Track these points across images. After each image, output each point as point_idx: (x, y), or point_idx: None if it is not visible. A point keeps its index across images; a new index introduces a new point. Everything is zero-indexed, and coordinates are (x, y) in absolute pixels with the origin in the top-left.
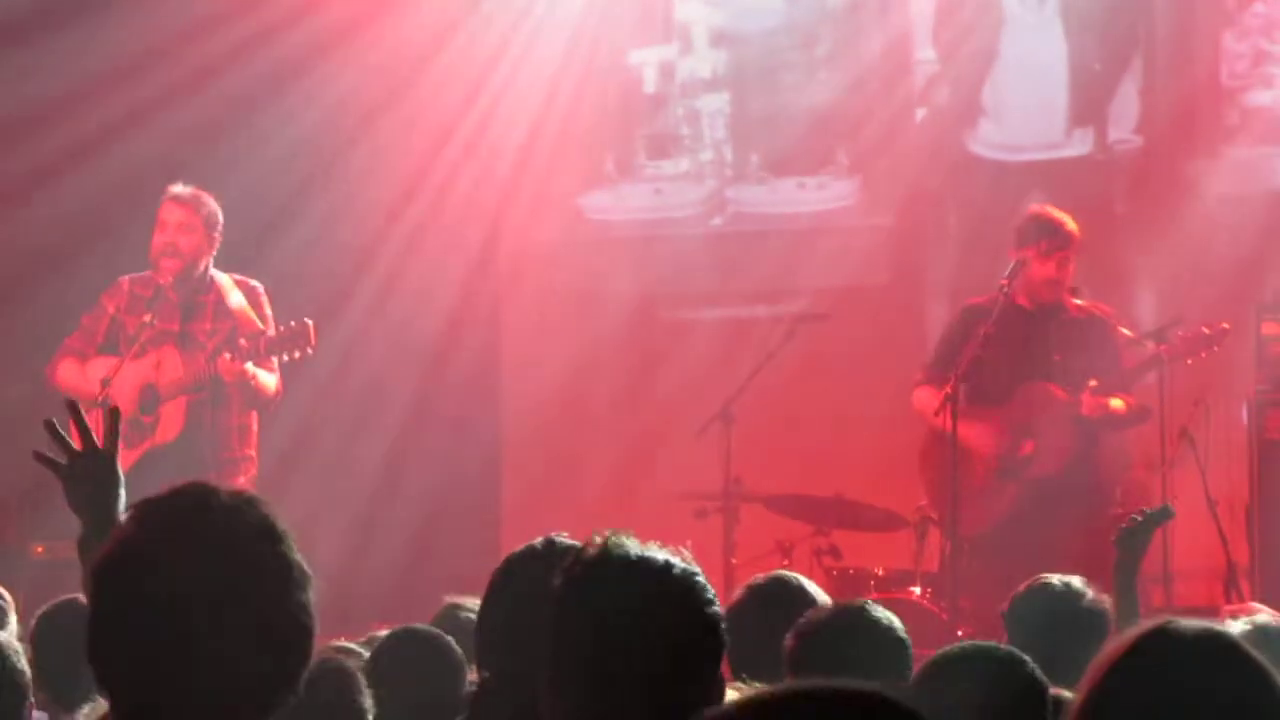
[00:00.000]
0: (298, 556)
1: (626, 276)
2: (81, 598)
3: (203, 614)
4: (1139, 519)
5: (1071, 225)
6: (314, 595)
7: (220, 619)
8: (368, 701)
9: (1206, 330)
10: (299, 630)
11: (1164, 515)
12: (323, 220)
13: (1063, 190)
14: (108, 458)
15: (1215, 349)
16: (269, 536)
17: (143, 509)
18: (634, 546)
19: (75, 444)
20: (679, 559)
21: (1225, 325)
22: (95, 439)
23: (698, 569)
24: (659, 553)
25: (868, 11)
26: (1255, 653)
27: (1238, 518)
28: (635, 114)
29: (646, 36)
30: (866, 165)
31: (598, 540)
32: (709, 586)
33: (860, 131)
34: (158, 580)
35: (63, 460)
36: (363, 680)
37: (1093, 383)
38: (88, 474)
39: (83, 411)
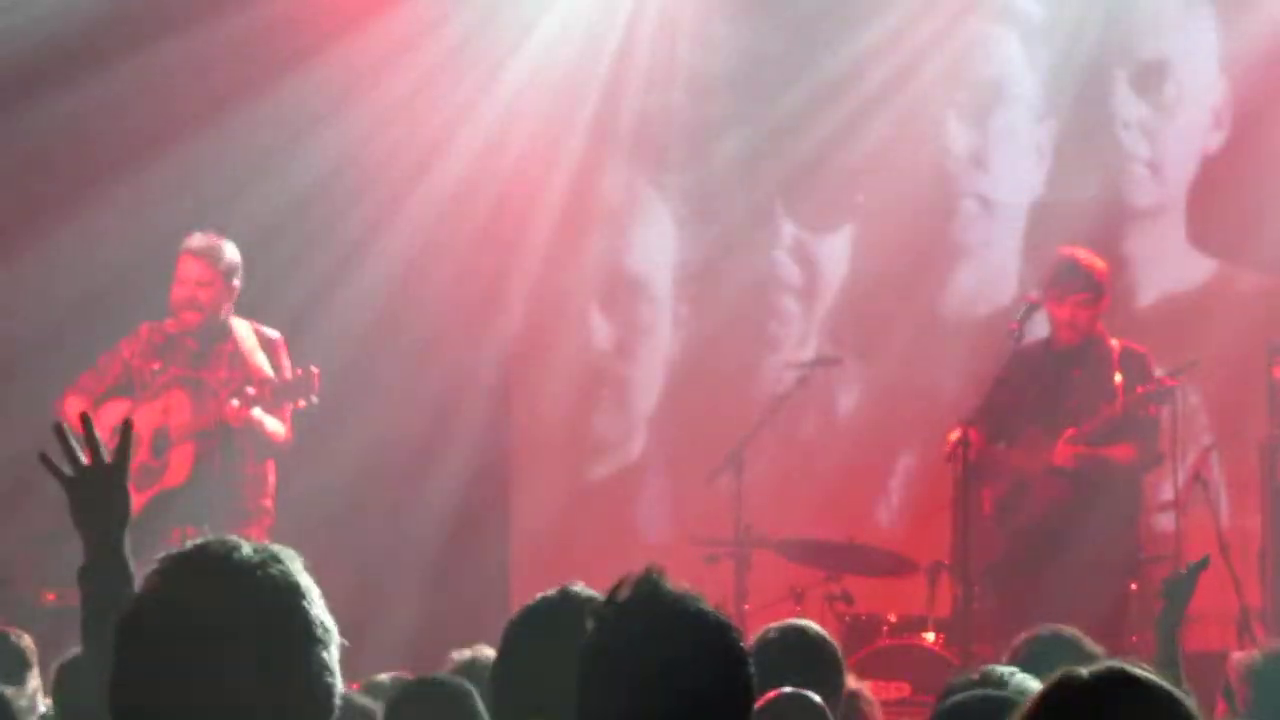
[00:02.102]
0: (321, 613)
1: (648, 325)
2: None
3: (225, 672)
4: (1183, 571)
5: (1095, 266)
6: (337, 653)
7: (244, 676)
8: None
9: (1151, 386)
10: (322, 689)
11: (1203, 564)
12: (334, 269)
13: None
14: (117, 473)
15: (1162, 402)
16: (293, 593)
17: (167, 563)
18: (668, 594)
19: (85, 458)
20: (712, 609)
21: (1172, 381)
22: (105, 454)
23: (730, 620)
24: (693, 602)
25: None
26: (1159, 681)
27: (1250, 561)
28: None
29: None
30: (880, 213)
31: (629, 583)
32: (743, 643)
33: (877, 178)
34: (181, 635)
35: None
36: None
37: (1069, 431)
38: (94, 488)
39: (70, 437)
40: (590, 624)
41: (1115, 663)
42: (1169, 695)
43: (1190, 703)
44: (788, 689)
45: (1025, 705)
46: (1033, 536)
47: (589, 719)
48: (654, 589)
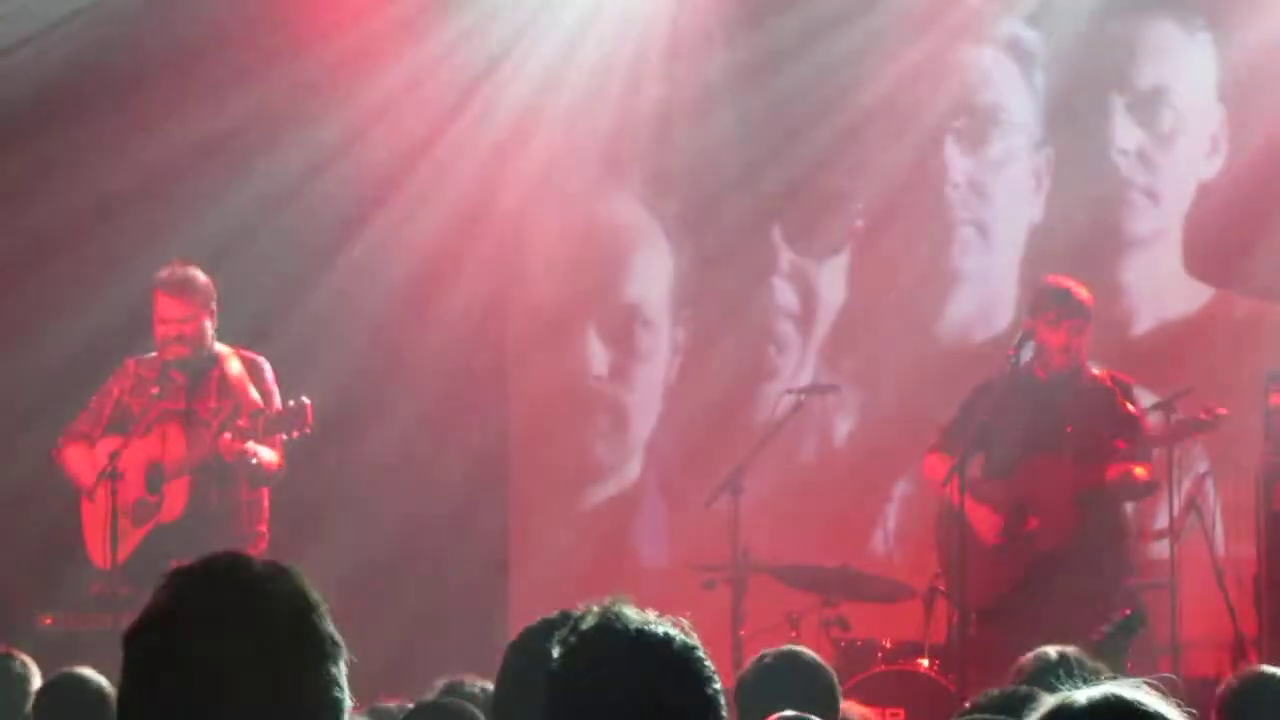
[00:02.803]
0: (330, 628)
1: (646, 351)
2: (84, 671)
3: (234, 684)
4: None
5: (1083, 293)
6: (345, 668)
7: (252, 690)
8: None
9: (1204, 415)
10: (330, 704)
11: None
12: (328, 293)
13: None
14: None
15: (1210, 432)
16: (302, 607)
17: (175, 578)
18: (633, 618)
19: (97, 558)
20: (678, 632)
21: (1222, 410)
22: None
23: (697, 643)
24: (659, 625)
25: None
26: (1157, 707)
27: (1246, 589)
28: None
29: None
30: (878, 240)
31: (595, 610)
32: (709, 662)
33: (875, 205)
34: (188, 649)
35: None
36: None
37: (1118, 446)
38: None
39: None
40: (555, 653)
41: (1112, 688)
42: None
43: None
44: (789, 712)
45: None
46: (1045, 564)
47: None
48: (616, 616)
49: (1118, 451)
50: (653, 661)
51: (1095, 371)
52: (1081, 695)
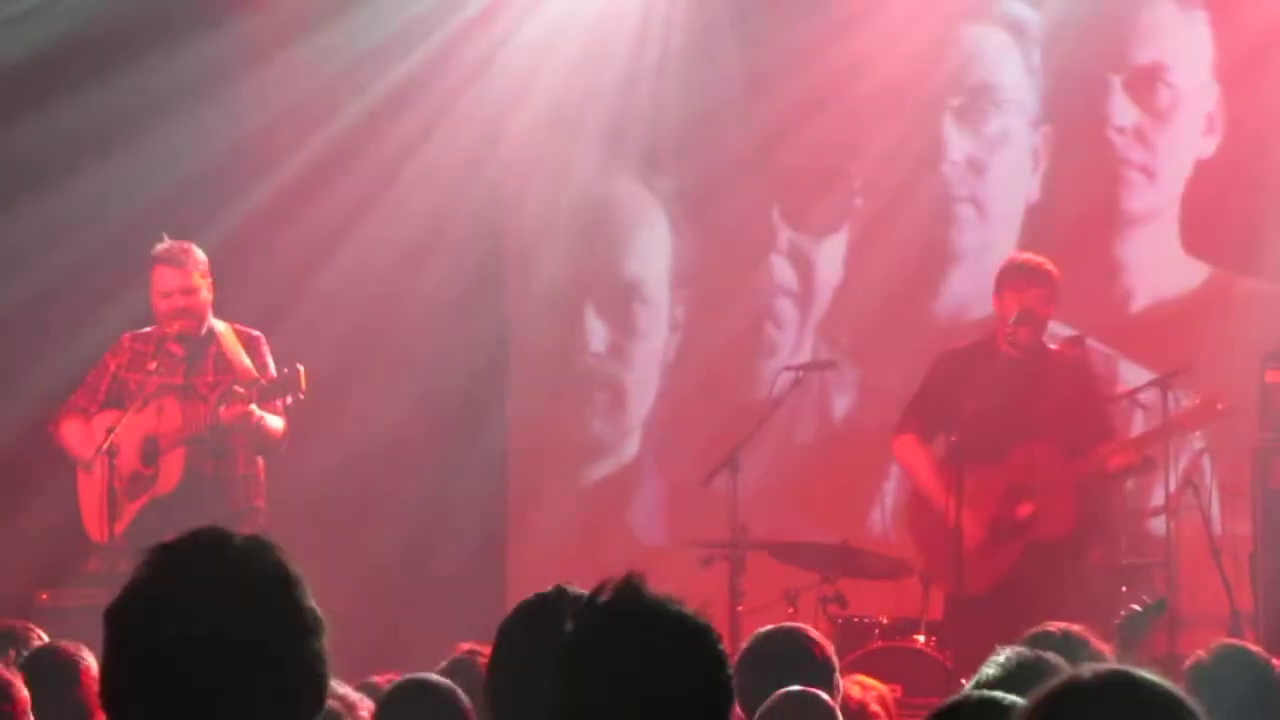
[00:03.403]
0: (312, 603)
1: (644, 329)
2: (64, 645)
3: (216, 659)
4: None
5: (1046, 265)
6: (327, 642)
7: (234, 665)
8: None
9: (1220, 406)
10: (313, 678)
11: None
12: (322, 268)
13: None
14: None
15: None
16: (283, 582)
17: (156, 553)
18: (649, 596)
19: (93, 533)
20: (693, 613)
21: (1222, 405)
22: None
23: (711, 624)
24: (675, 604)
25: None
26: (1164, 684)
27: (1242, 566)
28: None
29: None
30: (876, 218)
31: (610, 587)
32: (722, 645)
33: (873, 183)
34: (170, 625)
35: None
36: None
37: (1120, 436)
38: None
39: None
40: (569, 626)
41: (1119, 665)
42: (1173, 699)
43: (1193, 706)
44: (796, 688)
45: (1025, 708)
46: (1040, 551)
47: None
48: (634, 592)
49: (1110, 438)
50: (668, 642)
51: (1056, 347)
52: (1089, 671)
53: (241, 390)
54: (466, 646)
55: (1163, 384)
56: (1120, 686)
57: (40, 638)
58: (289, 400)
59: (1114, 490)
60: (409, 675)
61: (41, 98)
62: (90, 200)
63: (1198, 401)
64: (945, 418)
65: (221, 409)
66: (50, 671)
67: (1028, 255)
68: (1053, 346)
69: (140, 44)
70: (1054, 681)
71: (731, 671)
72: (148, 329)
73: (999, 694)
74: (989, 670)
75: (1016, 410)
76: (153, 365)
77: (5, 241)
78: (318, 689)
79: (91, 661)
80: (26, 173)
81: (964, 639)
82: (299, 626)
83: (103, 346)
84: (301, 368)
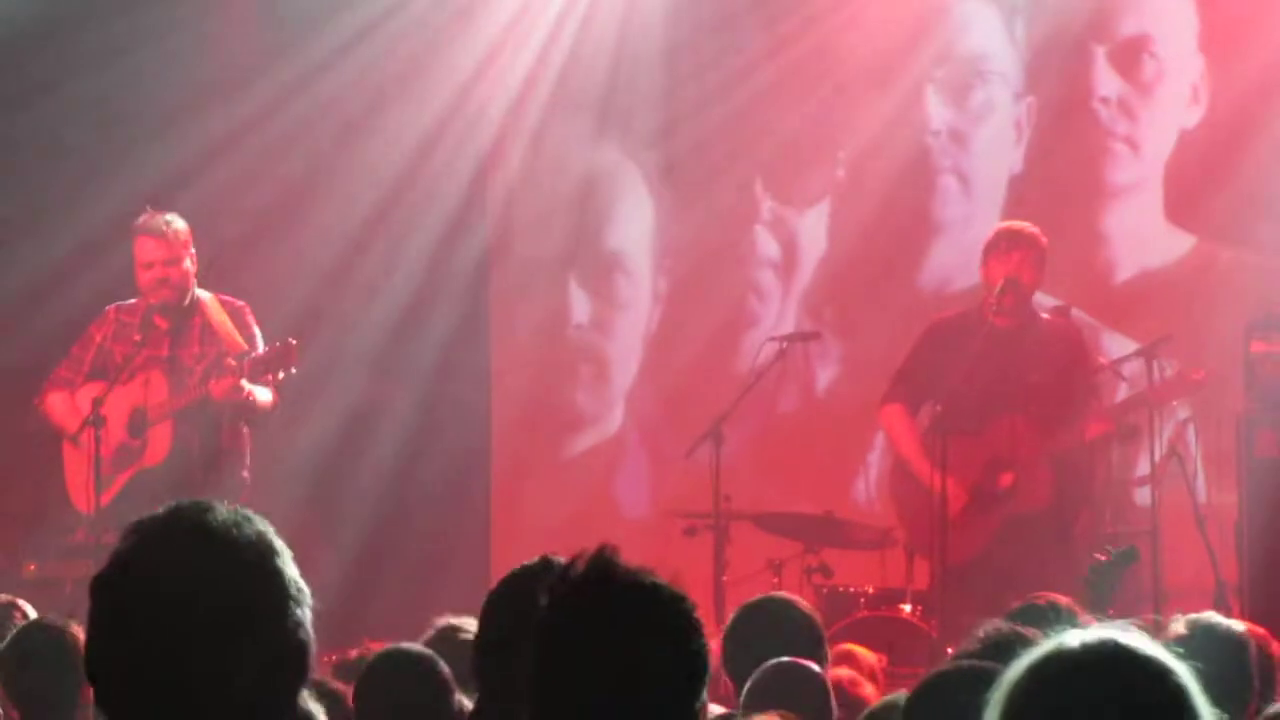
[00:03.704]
0: (295, 573)
1: (627, 300)
2: (54, 619)
3: (199, 631)
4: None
5: (1030, 229)
6: (311, 613)
7: (217, 636)
8: None
9: (1198, 376)
10: (297, 648)
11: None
12: (317, 239)
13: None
14: None
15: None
16: (267, 552)
17: (140, 525)
18: (622, 568)
19: (80, 504)
20: (666, 583)
21: (1200, 375)
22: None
23: (685, 594)
24: (647, 576)
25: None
26: (1152, 651)
27: (1227, 536)
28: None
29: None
30: (859, 189)
31: (583, 560)
32: (697, 615)
33: (856, 154)
34: (154, 597)
35: None
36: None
37: (1097, 407)
38: None
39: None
40: (543, 602)
41: (1107, 632)
42: (1161, 665)
43: (1183, 672)
44: (786, 659)
45: (1012, 675)
46: (1019, 522)
47: (543, 696)
48: (606, 564)
49: (1088, 409)
50: (641, 612)
51: (1048, 316)
52: (1074, 638)
53: (233, 364)
54: (448, 620)
55: (1147, 354)
56: (1107, 654)
57: (24, 613)
58: (281, 375)
59: (1096, 460)
60: (392, 645)
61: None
62: (67, 169)
63: (1175, 372)
64: (931, 387)
65: (211, 382)
66: (40, 646)
67: (1012, 223)
68: (1043, 315)
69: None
70: (1040, 650)
71: (706, 640)
72: (132, 300)
73: (986, 663)
74: (967, 645)
75: (1001, 380)
76: (138, 339)
77: None
78: (303, 660)
79: (80, 634)
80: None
81: (949, 609)
82: (283, 597)
83: (83, 316)
84: (294, 341)
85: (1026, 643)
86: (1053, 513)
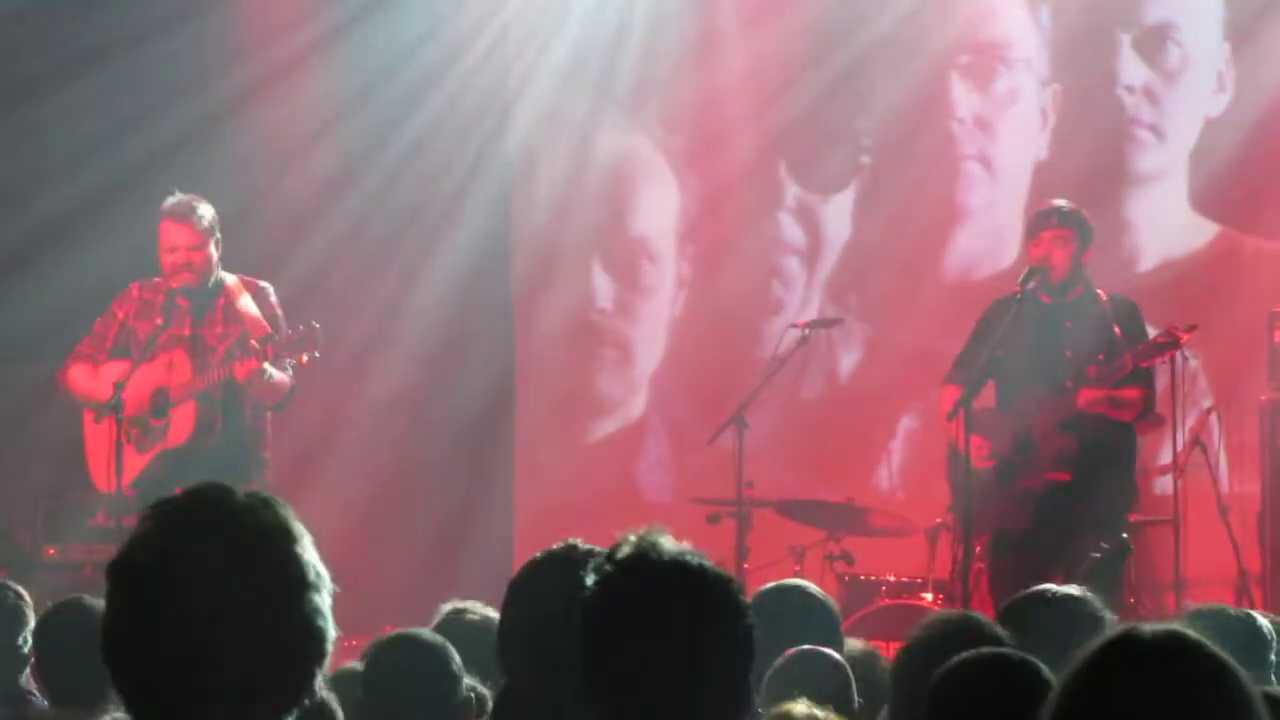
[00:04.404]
0: (315, 558)
1: (651, 285)
2: (85, 599)
3: (217, 616)
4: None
5: (1068, 206)
6: (330, 598)
7: (235, 621)
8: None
9: (1185, 335)
10: (315, 633)
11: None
12: (337, 224)
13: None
14: None
15: (1173, 354)
16: (286, 538)
17: (158, 509)
18: (669, 548)
19: (100, 484)
20: (713, 563)
21: (1186, 334)
22: None
23: (730, 574)
24: (694, 556)
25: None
26: (1217, 650)
27: (1250, 525)
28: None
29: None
30: (884, 175)
31: (631, 540)
32: (742, 595)
33: (881, 140)
34: (172, 581)
35: None
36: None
37: (1090, 372)
38: None
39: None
40: (590, 582)
41: (1173, 627)
42: (1225, 664)
43: (1244, 674)
44: (806, 647)
45: (1077, 661)
46: (1037, 497)
47: (592, 676)
48: (653, 546)
49: (1103, 374)
50: (688, 592)
51: (1099, 293)
52: (1146, 629)
53: (256, 346)
54: (454, 604)
55: (1170, 343)
56: (1175, 645)
57: (18, 593)
58: (304, 359)
59: (1117, 434)
60: (400, 630)
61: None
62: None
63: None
64: (987, 366)
65: (235, 364)
66: (64, 628)
67: (1049, 202)
68: (1100, 293)
69: None
70: (1106, 637)
71: (752, 620)
72: (156, 279)
73: (1009, 650)
74: (915, 632)
75: (1038, 357)
76: (160, 320)
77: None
78: (320, 644)
79: None
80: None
81: (973, 590)
82: (301, 582)
83: (100, 295)
84: (318, 325)
85: (979, 631)
86: (1077, 483)
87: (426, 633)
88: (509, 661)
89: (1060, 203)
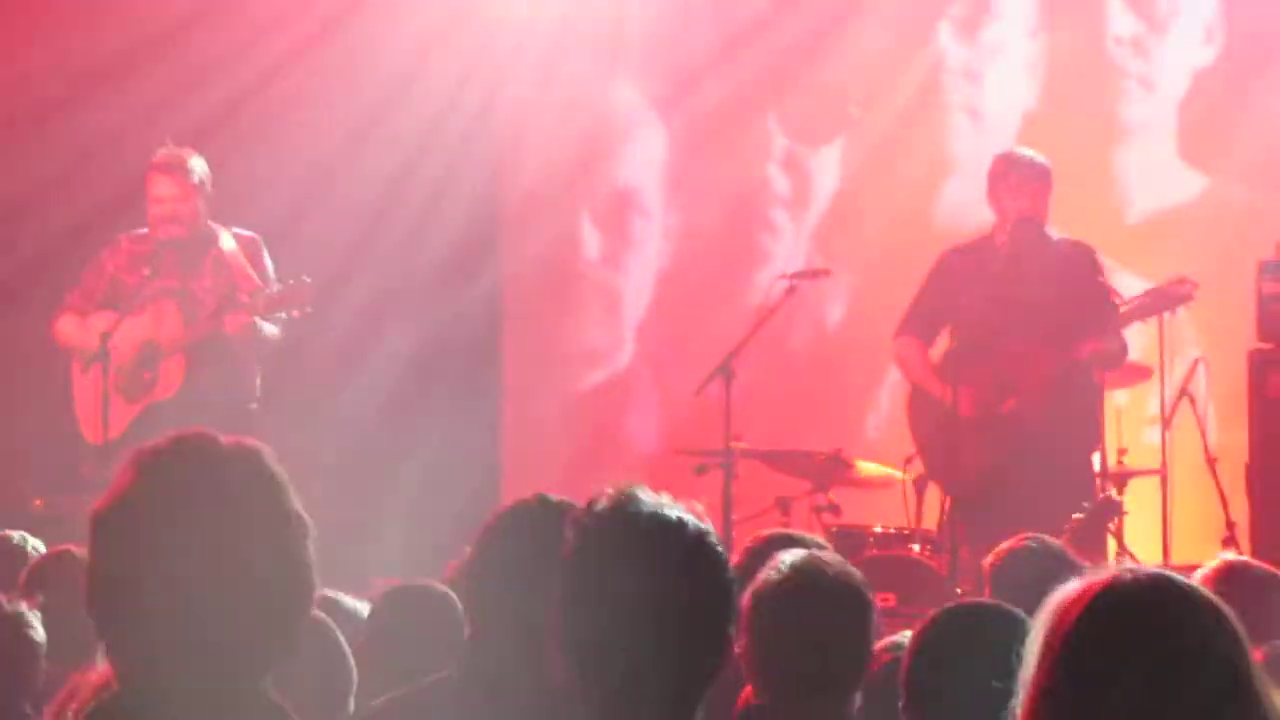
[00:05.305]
0: (298, 507)
1: (638, 237)
2: (74, 550)
3: (202, 564)
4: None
5: (1040, 158)
6: (313, 547)
7: (219, 570)
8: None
9: (1186, 286)
10: (299, 582)
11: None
12: (321, 181)
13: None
14: None
15: (1177, 308)
16: (269, 486)
17: (141, 457)
18: (647, 501)
19: (89, 435)
20: (692, 516)
21: (1188, 288)
22: None
23: (710, 527)
24: (673, 509)
25: None
26: (1207, 592)
27: (1237, 477)
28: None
29: None
30: (871, 126)
31: (609, 494)
32: (722, 548)
33: (869, 91)
34: (156, 530)
35: None
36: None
37: (1084, 323)
38: None
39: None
40: (569, 536)
41: (1161, 570)
42: (1217, 608)
43: (1230, 613)
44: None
45: (1060, 605)
46: (1024, 444)
47: (572, 631)
48: (631, 499)
49: (1090, 325)
50: (667, 547)
51: (1057, 237)
52: (1129, 573)
53: (247, 300)
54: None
55: (1158, 294)
56: (1160, 587)
57: (23, 536)
58: (295, 314)
59: (1093, 385)
60: (405, 581)
61: None
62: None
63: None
64: (942, 317)
65: (226, 318)
66: (52, 580)
67: (1013, 151)
68: (1054, 237)
69: None
70: (1092, 581)
71: (732, 573)
72: (143, 230)
73: (1007, 606)
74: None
75: (1010, 304)
76: (147, 271)
77: None
78: (304, 594)
79: None
80: None
81: (958, 537)
82: (283, 530)
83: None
84: (309, 280)
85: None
86: (1055, 433)
87: (431, 582)
88: (477, 610)
89: (1027, 151)
